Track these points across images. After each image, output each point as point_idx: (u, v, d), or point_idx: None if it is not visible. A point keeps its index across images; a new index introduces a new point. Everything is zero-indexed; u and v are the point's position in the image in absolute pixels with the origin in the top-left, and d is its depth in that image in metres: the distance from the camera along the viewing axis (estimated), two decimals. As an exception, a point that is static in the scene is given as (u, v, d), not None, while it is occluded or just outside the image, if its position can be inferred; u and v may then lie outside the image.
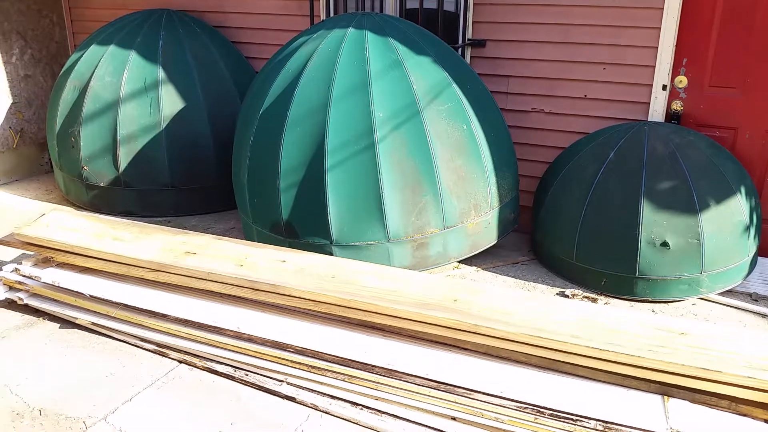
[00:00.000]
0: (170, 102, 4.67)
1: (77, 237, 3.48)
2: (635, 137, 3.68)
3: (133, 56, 4.71)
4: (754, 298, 3.63)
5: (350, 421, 2.63)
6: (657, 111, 4.05)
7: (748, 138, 3.96)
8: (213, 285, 3.14)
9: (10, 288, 3.52)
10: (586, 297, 3.61)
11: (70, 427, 2.61)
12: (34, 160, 5.97)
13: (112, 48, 4.78)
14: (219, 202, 4.97)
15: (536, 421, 2.44)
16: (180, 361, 3.03)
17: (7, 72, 5.59)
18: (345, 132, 3.49)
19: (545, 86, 4.31)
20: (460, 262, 4.02)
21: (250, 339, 2.93)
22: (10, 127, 5.69)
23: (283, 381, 2.83)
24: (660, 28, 3.90)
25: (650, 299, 3.57)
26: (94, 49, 4.85)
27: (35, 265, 3.54)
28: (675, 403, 2.45)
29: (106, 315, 3.23)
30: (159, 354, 3.08)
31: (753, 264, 3.71)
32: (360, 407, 2.67)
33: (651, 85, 4.02)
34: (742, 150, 3.98)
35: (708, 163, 3.56)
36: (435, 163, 3.52)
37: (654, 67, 3.98)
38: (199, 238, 3.52)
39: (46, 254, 3.54)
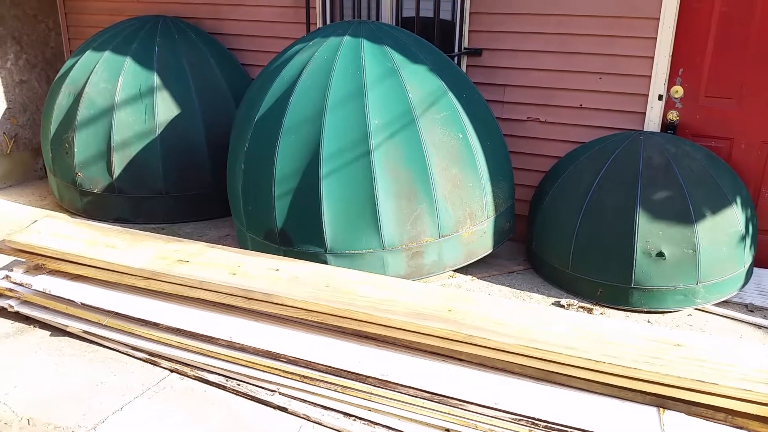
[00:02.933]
0: (165, 108, 4.65)
1: (69, 244, 3.45)
2: (631, 147, 3.67)
3: (128, 62, 4.70)
4: (750, 309, 3.62)
5: (343, 433, 2.60)
6: (653, 121, 4.05)
7: (743, 148, 3.96)
8: (206, 293, 3.11)
9: (1, 295, 3.48)
10: (581, 307, 3.60)
11: (59, 438, 2.58)
12: (28, 166, 5.94)
13: (107, 54, 4.77)
14: (213, 209, 4.95)
15: (531, 433, 2.42)
16: (171, 370, 3.00)
17: (1, 77, 5.57)
18: (340, 140, 3.48)
19: (541, 95, 4.31)
20: (455, 271, 4.00)
21: (243, 348, 2.90)
22: (4, 133, 5.66)
23: (275, 391, 2.80)
24: (656, 38, 3.91)
25: (646, 310, 3.55)
26: (89, 55, 4.83)
27: (26, 272, 3.51)
28: (671, 416, 2.44)
29: (98, 323, 3.19)
30: (150, 363, 3.05)
31: (749, 275, 3.70)
32: (353, 418, 2.64)
33: (647, 95, 4.02)
34: (737, 160, 3.98)
35: (704, 173, 3.55)
36: (430, 171, 3.51)
37: (650, 77, 3.98)
38: (192, 245, 3.50)
39: (37, 261, 3.50)
